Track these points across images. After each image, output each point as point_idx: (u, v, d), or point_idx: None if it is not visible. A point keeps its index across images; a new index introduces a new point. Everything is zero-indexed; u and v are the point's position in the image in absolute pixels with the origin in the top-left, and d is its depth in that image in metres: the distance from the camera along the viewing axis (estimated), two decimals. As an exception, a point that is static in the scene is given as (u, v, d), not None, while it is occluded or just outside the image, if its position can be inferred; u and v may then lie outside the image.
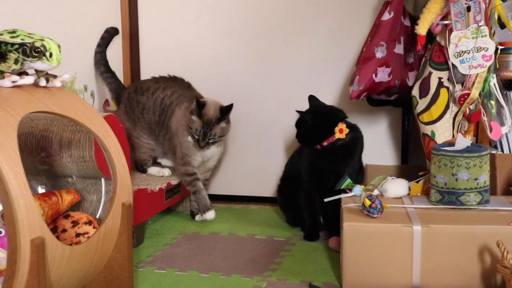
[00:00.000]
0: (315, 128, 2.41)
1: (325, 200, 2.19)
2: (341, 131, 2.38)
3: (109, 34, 2.93)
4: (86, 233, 1.89)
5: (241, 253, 2.32)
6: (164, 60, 3.14)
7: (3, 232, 1.71)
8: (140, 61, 3.17)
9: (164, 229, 2.65)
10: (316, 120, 2.41)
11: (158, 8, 3.13)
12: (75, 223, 1.91)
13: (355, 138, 2.44)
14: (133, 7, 3.11)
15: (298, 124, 2.48)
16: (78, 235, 1.88)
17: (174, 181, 2.63)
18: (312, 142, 2.44)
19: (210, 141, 2.62)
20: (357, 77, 2.39)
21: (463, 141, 2.07)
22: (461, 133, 2.23)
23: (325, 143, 2.39)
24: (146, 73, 3.05)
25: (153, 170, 2.79)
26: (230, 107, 2.63)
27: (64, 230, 1.89)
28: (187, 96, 2.75)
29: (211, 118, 2.59)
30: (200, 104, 2.58)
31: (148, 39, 3.16)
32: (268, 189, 3.08)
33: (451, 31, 2.17)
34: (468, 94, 2.15)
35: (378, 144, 2.94)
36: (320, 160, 2.44)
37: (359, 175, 2.51)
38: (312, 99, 2.54)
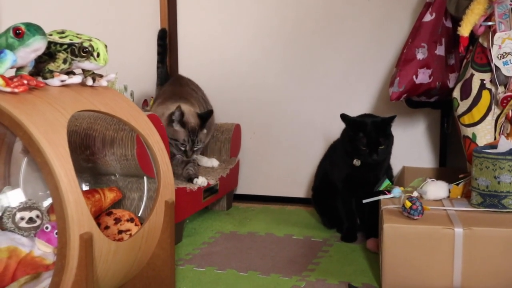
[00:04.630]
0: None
1: (364, 201, 2.18)
2: None
3: (162, 47, 3.01)
4: (128, 230, 1.92)
5: (278, 253, 2.33)
6: (202, 61, 3.18)
7: (49, 227, 1.75)
8: (179, 61, 3.21)
9: (202, 228, 2.67)
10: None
11: (196, 9, 3.16)
12: (117, 220, 1.94)
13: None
14: (172, 8, 3.14)
15: (377, 133, 2.28)
16: (120, 232, 1.91)
17: (212, 181, 2.65)
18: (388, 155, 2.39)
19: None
20: (398, 78, 2.37)
21: (506, 144, 2.05)
22: (504, 136, 2.20)
23: None
24: (184, 73, 3.06)
25: (202, 160, 2.83)
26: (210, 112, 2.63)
27: (107, 227, 1.92)
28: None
29: (194, 126, 2.52)
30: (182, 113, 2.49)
31: (187, 39, 3.20)
32: (304, 190, 3.09)
33: (494, 32, 2.15)
34: (511, 96, 2.12)
35: (416, 146, 2.92)
36: (360, 172, 2.37)
37: (388, 170, 2.51)
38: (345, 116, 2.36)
